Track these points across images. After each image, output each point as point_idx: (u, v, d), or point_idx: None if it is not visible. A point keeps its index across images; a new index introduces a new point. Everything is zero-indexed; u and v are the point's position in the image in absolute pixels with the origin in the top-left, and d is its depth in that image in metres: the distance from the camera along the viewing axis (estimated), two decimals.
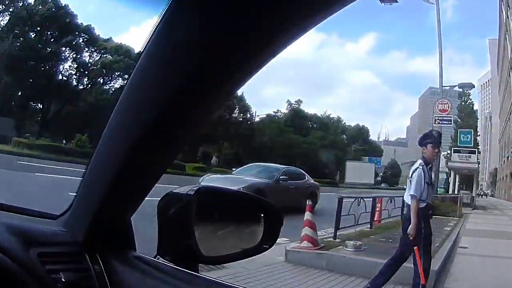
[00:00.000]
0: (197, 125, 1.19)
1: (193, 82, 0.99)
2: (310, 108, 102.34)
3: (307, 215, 9.03)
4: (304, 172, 18.51)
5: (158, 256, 1.29)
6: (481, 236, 14.09)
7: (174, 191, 1.31)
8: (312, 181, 18.58)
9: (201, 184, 1.71)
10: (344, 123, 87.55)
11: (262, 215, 1.44)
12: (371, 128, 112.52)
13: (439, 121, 27.44)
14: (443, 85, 27.50)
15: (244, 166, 18.12)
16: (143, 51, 1.03)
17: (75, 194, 1.30)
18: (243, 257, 1.43)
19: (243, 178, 14.95)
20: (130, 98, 1.11)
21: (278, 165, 18.06)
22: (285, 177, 16.02)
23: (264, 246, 1.41)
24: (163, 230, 1.28)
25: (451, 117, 27.57)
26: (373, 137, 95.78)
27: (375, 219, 13.20)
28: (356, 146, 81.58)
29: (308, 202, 9.30)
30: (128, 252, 1.32)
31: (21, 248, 1.10)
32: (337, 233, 10.18)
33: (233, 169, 19.33)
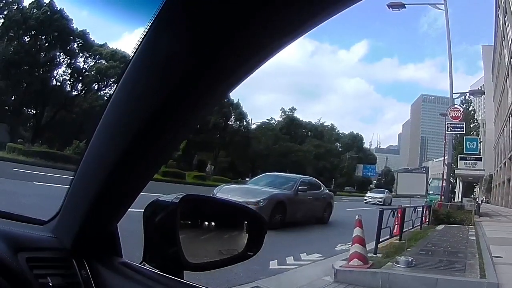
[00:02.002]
0: (184, 134, 1.21)
1: (180, 91, 0.98)
2: (303, 115, 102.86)
3: (357, 231, 8.41)
4: (319, 182, 17.93)
5: (144, 263, 1.30)
6: (506, 244, 13.55)
7: (159, 199, 1.32)
8: (327, 191, 18.07)
9: (189, 193, 1.45)
10: (338, 130, 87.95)
11: (246, 223, 1.47)
12: (363, 136, 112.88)
13: (451, 128, 27.00)
14: (453, 92, 27.20)
15: (258, 176, 17.58)
16: (131, 59, 1.02)
17: (63, 200, 1.32)
18: (228, 264, 1.44)
19: (261, 189, 14.31)
20: (117, 108, 1.11)
21: (293, 175, 17.47)
22: (304, 187, 15.42)
23: (249, 253, 1.44)
24: (148, 237, 1.30)
25: (463, 124, 27.23)
26: (365, 144, 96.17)
27: (395, 230, 12.53)
28: (351, 154, 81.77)
29: (358, 217, 8.60)
30: (115, 258, 1.35)
31: (10, 253, 1.11)
32: (368, 248, 9.44)
33: (247, 179, 18.78)
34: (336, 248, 11.10)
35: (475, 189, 63.30)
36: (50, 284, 1.14)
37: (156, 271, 1.26)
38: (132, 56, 1.01)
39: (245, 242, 1.45)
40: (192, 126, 1.20)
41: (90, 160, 1.21)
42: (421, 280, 7.51)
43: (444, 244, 12.63)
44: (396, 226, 12.66)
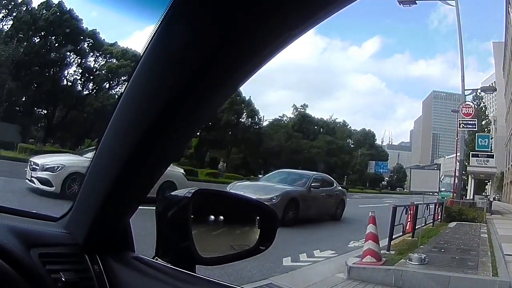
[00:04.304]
0: (195, 129, 1.26)
1: (191, 85, 0.99)
2: (314, 112, 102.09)
3: (370, 228, 8.40)
4: (332, 179, 17.91)
5: (156, 258, 1.32)
6: None
7: (171, 193, 1.36)
8: (340, 188, 18.04)
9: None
10: (350, 127, 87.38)
11: (258, 217, 1.49)
12: (375, 132, 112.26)
13: (463, 125, 26.85)
14: (465, 88, 27.02)
15: (271, 173, 17.54)
16: (141, 56, 1.04)
17: (75, 197, 1.33)
18: (240, 258, 1.46)
19: (274, 186, 14.32)
20: (128, 104, 1.13)
21: (306, 172, 17.45)
22: (317, 184, 15.41)
23: (261, 247, 1.46)
24: (161, 232, 1.33)
25: (475, 121, 27.05)
26: (377, 141, 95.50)
27: (408, 227, 12.56)
28: (363, 151, 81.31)
29: (371, 214, 8.63)
30: (127, 253, 1.37)
31: (23, 249, 1.13)
32: (381, 244, 9.48)
33: (260, 176, 18.74)
34: (349, 245, 11.12)
35: (486, 187, 62.62)
36: (63, 279, 1.15)
37: (169, 265, 1.28)
38: (143, 53, 1.03)
39: (257, 237, 1.46)
40: (202, 121, 1.19)
41: (101, 156, 1.23)
42: (434, 278, 7.50)
43: (457, 242, 12.61)
44: (408, 223, 12.69)
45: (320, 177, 16.73)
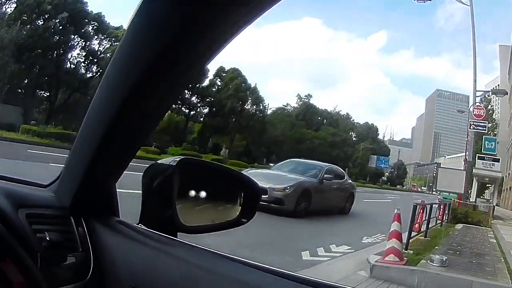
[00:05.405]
0: (177, 91, 1.30)
1: (170, 50, 1.03)
2: (317, 103, 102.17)
3: (395, 226, 8.12)
4: (343, 171, 17.68)
5: (140, 224, 1.33)
6: None
7: (158, 162, 1.36)
8: (350, 181, 17.73)
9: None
10: (353, 120, 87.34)
11: (241, 189, 1.48)
12: (378, 127, 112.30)
13: (474, 126, 26.66)
14: (476, 89, 26.79)
15: (282, 162, 17.07)
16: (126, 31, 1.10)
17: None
18: (222, 229, 1.46)
19: (287, 175, 14.03)
20: (112, 71, 1.15)
21: (318, 162, 16.95)
22: (330, 175, 15.09)
23: (243, 219, 1.45)
24: (146, 199, 1.34)
25: (486, 123, 26.91)
26: (379, 136, 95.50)
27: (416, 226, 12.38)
28: (365, 145, 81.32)
29: (396, 211, 8.41)
30: (112, 217, 1.38)
31: (11, 208, 1.16)
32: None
33: (271, 164, 18.50)
34: (362, 241, 10.91)
35: (486, 190, 62.63)
36: (47, 239, 1.18)
37: (152, 230, 1.29)
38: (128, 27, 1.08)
39: (239, 208, 1.45)
40: (184, 85, 1.25)
41: (88, 122, 1.24)
42: (456, 281, 7.23)
43: (468, 245, 12.44)
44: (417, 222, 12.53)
45: (332, 168, 16.42)
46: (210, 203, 1.43)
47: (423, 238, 11.85)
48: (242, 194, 1.47)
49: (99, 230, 1.31)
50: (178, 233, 1.33)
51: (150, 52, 1.05)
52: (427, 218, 12.54)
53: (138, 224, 1.33)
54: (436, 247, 10.42)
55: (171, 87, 1.16)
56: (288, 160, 17.26)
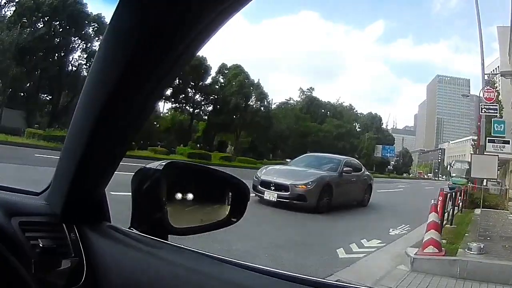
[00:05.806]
0: (162, 90, 1.28)
1: (152, 45, 1.04)
2: (319, 96, 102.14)
3: (432, 216, 7.95)
4: (360, 163, 17.49)
5: (131, 228, 1.35)
6: None
7: (146, 166, 1.38)
8: (367, 173, 17.49)
9: (171, 161, 1.37)
10: (356, 111, 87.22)
11: (230, 190, 1.50)
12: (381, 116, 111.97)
13: (485, 109, 26.44)
14: (485, 73, 26.58)
15: (298, 157, 16.82)
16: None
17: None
18: (212, 229, 1.48)
19: (307, 170, 13.86)
20: (93, 79, 1.15)
21: (335, 156, 16.83)
22: (349, 168, 14.86)
23: (232, 219, 1.48)
24: (136, 203, 1.37)
25: (497, 105, 26.68)
26: (383, 125, 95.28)
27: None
28: (370, 135, 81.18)
29: (433, 202, 8.23)
30: (103, 223, 1.41)
31: (4, 217, 1.18)
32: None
33: (287, 160, 18.36)
34: (390, 233, 10.77)
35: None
36: (41, 245, 1.20)
37: (143, 234, 1.31)
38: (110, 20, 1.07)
39: (229, 208, 1.48)
40: (169, 82, 1.23)
41: (74, 130, 1.26)
42: (497, 268, 7.02)
43: (494, 229, 12.24)
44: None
45: (351, 161, 16.28)
46: (199, 204, 1.46)
47: (449, 226, 11.66)
48: (230, 194, 1.49)
49: (90, 236, 1.33)
50: (169, 235, 1.35)
51: (131, 48, 1.06)
52: (452, 205, 12.38)
53: (129, 228, 1.36)
54: (466, 235, 10.23)
55: (156, 86, 1.16)
56: (305, 154, 17.27)
